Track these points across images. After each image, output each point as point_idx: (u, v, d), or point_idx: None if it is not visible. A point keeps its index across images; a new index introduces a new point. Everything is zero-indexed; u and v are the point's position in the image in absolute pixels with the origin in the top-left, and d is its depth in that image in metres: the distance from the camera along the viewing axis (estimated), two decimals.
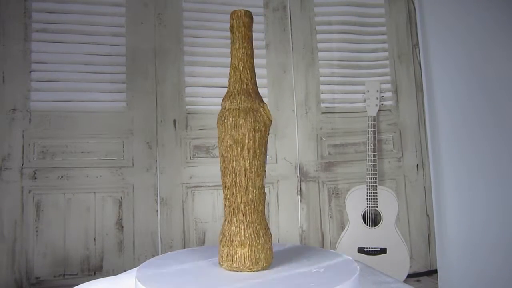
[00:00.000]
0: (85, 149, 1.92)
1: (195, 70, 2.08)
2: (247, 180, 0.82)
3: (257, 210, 0.84)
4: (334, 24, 2.26)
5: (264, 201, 0.86)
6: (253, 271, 0.81)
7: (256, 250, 0.81)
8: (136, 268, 1.03)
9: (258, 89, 0.92)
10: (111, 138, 1.95)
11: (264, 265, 0.83)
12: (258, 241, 0.82)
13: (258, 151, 0.84)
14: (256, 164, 0.83)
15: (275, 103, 2.15)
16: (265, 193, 0.87)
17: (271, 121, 0.87)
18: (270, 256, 0.85)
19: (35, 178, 1.84)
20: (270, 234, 0.86)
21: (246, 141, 0.82)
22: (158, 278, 0.79)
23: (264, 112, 0.86)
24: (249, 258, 0.81)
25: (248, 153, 0.82)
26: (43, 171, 1.86)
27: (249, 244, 0.81)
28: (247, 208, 0.82)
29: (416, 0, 1.80)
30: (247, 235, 0.82)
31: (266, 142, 0.87)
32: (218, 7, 2.11)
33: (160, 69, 2.03)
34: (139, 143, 1.98)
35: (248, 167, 0.82)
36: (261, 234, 0.83)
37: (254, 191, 0.83)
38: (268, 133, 0.88)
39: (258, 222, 0.84)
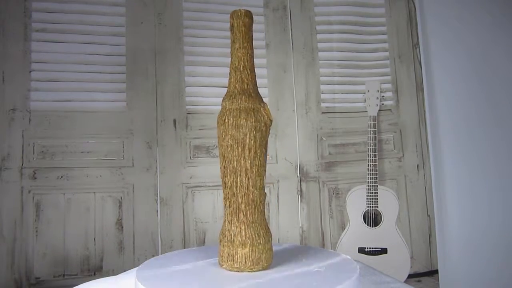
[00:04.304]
0: (85, 149, 1.91)
1: (195, 70, 2.07)
2: (248, 180, 0.82)
3: (258, 210, 0.84)
4: (334, 24, 2.26)
5: (265, 201, 0.87)
6: (254, 271, 0.81)
7: (256, 250, 0.81)
8: (136, 268, 1.03)
9: (258, 89, 0.92)
10: (111, 138, 1.95)
11: (265, 265, 0.83)
12: (258, 241, 0.82)
13: (258, 151, 0.84)
14: (257, 164, 0.83)
15: (275, 103, 2.14)
16: (265, 193, 0.87)
17: (271, 121, 0.87)
18: (270, 256, 0.85)
19: (35, 178, 1.84)
20: (270, 234, 0.87)
21: (247, 141, 0.82)
22: (158, 278, 0.78)
23: (264, 112, 0.86)
24: (250, 258, 0.81)
25: (249, 153, 0.82)
26: (43, 171, 1.85)
27: (249, 244, 0.81)
28: (247, 208, 0.82)
29: (417, 0, 1.80)
30: (247, 235, 0.82)
31: (266, 142, 0.87)
32: (218, 7, 2.11)
33: (160, 69, 2.03)
34: (139, 143, 1.97)
35: (249, 167, 0.82)
36: (261, 234, 0.83)
37: (255, 191, 0.83)
38: (269, 133, 0.88)
39: (259, 222, 0.84)
